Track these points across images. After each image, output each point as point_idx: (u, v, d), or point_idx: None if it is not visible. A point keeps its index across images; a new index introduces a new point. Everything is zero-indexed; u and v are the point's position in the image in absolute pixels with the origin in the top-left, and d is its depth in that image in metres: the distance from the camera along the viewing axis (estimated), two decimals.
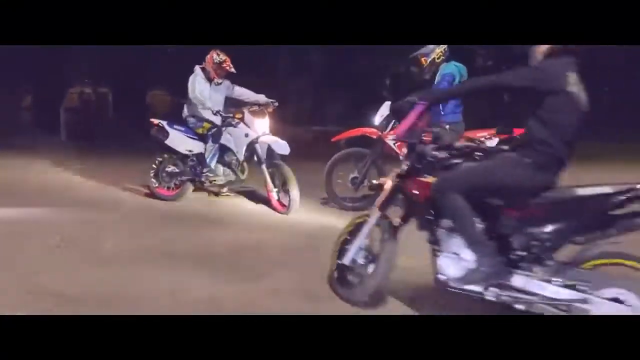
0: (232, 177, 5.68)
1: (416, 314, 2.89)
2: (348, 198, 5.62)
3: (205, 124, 5.67)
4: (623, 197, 2.36)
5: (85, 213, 5.17)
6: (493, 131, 5.25)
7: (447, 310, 2.91)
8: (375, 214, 3.02)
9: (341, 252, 3.13)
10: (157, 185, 5.82)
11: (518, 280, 2.56)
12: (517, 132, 5.17)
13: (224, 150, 5.66)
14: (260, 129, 5.53)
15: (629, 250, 2.41)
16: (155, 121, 5.86)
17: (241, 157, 5.59)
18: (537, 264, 2.57)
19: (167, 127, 5.73)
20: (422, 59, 5.22)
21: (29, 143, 10.58)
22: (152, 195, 5.85)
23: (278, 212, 5.40)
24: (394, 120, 5.23)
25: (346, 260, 3.05)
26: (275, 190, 5.47)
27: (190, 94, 5.54)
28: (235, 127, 5.55)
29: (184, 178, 5.72)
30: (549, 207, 2.54)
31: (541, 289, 2.50)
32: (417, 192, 2.86)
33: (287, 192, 5.27)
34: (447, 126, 5.09)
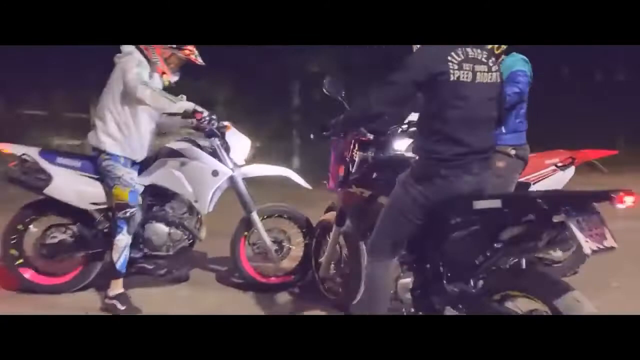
0: (185, 241, 3.31)
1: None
2: None
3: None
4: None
5: None
6: (568, 155, 3.74)
7: None
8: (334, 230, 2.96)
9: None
10: (26, 266, 3.25)
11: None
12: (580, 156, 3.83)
13: (164, 198, 3.30)
14: (240, 155, 3.38)
15: None
16: (15, 150, 3.19)
17: (205, 208, 3.26)
18: None
19: (42, 162, 3.14)
20: None
21: None
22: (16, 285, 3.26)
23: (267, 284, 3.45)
24: None
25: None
26: (275, 250, 3.42)
27: (134, 85, 2.93)
28: (190, 159, 3.24)
29: (86, 253, 3.24)
30: None
31: None
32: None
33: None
34: (513, 151, 3.50)
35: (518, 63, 3.51)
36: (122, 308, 3.00)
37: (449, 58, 2.10)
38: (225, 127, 3.26)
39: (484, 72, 2.17)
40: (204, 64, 3.24)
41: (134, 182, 3.09)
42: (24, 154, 3.15)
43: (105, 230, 3.23)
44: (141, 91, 2.90)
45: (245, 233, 3.40)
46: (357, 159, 2.76)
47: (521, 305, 2.05)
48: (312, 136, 3.17)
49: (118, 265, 3.05)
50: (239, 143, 3.37)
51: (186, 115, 3.04)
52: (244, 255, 3.40)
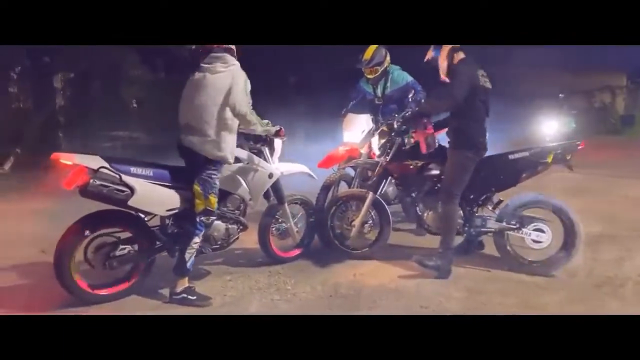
0: (236, 233, 3.71)
1: (418, 314, 3.07)
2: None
3: None
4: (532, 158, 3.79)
5: None
6: None
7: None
8: (371, 196, 4.03)
9: (333, 222, 4.18)
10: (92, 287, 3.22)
11: (478, 221, 3.88)
12: None
13: (222, 198, 3.59)
14: (277, 155, 3.91)
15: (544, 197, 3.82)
16: (91, 163, 2.99)
17: (257, 205, 3.76)
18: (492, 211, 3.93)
19: (123, 173, 3.06)
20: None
21: None
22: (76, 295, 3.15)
23: (286, 258, 4.11)
24: (370, 134, 4.77)
25: (353, 232, 4.08)
26: (297, 231, 4.11)
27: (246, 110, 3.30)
28: (250, 165, 3.65)
29: (151, 258, 3.39)
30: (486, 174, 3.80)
31: (494, 226, 3.83)
32: (398, 173, 4.00)
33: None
34: None
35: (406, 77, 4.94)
36: (194, 298, 3.29)
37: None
38: (280, 132, 3.62)
39: None
40: None
41: None
42: (102, 166, 2.97)
43: (177, 231, 3.36)
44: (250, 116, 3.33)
45: (273, 219, 3.98)
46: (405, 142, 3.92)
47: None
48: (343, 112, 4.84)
49: (189, 264, 3.28)
50: (278, 145, 3.86)
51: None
52: (271, 237, 3.99)
